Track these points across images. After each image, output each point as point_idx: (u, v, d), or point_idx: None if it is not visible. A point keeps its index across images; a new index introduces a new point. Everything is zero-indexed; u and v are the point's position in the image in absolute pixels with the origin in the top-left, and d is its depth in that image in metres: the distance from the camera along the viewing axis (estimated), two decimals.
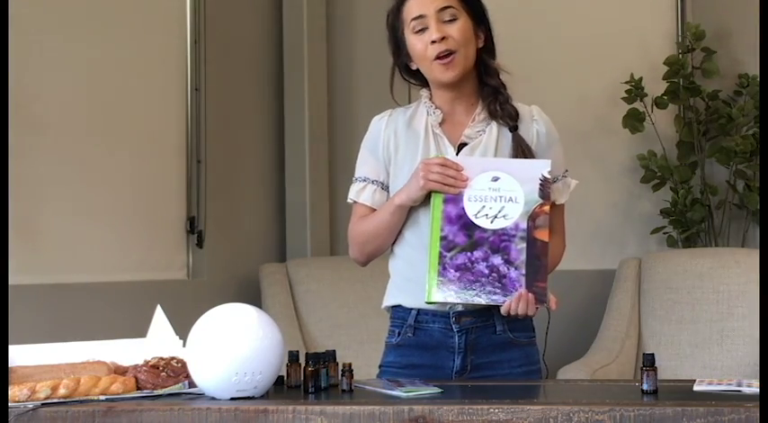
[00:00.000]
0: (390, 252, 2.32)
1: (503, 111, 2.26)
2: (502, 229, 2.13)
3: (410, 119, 2.30)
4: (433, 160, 2.18)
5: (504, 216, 2.14)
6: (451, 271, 2.12)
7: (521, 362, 2.26)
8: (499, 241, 2.12)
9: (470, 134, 2.26)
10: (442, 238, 2.13)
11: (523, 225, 2.13)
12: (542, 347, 2.29)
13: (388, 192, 2.29)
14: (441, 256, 2.13)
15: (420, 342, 2.25)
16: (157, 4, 3.93)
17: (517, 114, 2.26)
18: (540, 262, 2.12)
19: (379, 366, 2.32)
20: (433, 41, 2.21)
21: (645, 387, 1.88)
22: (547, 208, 2.14)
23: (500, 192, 2.14)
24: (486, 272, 2.12)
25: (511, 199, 2.14)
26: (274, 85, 4.53)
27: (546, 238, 2.13)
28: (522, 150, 2.23)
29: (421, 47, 2.24)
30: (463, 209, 2.14)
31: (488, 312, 2.22)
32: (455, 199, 2.15)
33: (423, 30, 2.23)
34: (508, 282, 2.11)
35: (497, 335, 2.24)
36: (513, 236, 2.12)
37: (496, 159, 2.21)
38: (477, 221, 2.14)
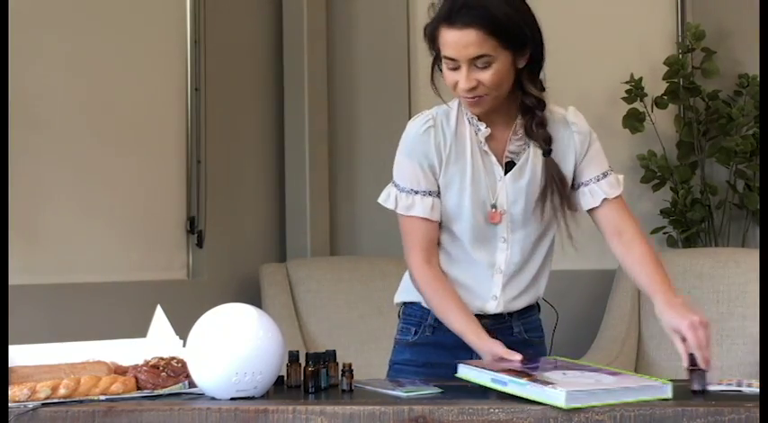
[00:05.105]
0: None
1: (536, 134, 2.19)
2: None
3: (455, 128, 2.20)
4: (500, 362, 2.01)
5: None
6: None
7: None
8: None
9: (514, 149, 2.21)
10: None
11: None
12: (549, 347, 2.32)
13: (439, 198, 2.20)
14: None
15: (439, 341, 2.24)
16: (157, 4, 3.93)
17: (550, 139, 2.20)
18: None
19: (391, 364, 2.30)
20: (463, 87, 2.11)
21: (695, 387, 1.90)
22: None
23: None
24: None
25: None
26: (274, 86, 4.53)
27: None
28: (553, 177, 2.19)
29: (450, 80, 2.12)
30: None
31: (505, 315, 2.24)
32: None
33: (455, 67, 2.10)
34: None
35: (514, 336, 2.25)
36: None
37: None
38: None
